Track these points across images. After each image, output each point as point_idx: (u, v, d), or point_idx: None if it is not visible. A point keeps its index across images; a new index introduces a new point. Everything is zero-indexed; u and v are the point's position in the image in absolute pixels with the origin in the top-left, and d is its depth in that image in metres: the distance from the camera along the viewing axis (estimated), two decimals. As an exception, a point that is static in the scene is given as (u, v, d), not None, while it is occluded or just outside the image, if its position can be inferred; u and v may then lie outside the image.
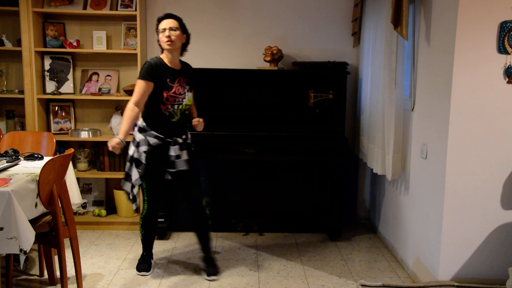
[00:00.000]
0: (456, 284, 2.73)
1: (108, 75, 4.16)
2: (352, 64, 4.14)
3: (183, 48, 3.09)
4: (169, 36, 2.93)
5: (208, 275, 3.17)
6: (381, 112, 3.34)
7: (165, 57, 3.01)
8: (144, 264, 3.22)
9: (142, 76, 2.91)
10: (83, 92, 4.13)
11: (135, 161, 3.00)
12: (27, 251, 2.34)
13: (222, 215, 3.94)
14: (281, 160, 3.83)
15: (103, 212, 4.09)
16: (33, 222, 2.58)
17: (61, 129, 4.15)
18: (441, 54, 2.75)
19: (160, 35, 2.97)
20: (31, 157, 2.93)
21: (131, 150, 3.03)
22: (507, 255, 2.74)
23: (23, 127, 4.02)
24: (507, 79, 2.59)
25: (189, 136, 3.18)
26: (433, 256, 2.84)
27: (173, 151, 3.01)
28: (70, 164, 2.92)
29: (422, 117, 3.05)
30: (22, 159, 2.92)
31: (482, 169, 2.67)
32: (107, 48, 4.04)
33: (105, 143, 3.99)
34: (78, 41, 3.99)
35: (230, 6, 4.10)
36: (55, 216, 2.63)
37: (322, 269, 3.31)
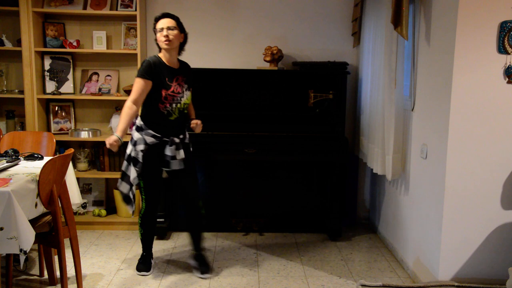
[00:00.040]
0: (456, 284, 2.73)
1: (108, 75, 4.16)
2: (352, 64, 4.14)
3: (181, 47, 3.09)
4: (167, 36, 2.93)
5: (202, 273, 3.19)
6: (381, 112, 3.34)
7: (163, 56, 3.02)
8: (144, 264, 3.23)
9: (140, 75, 2.92)
10: (83, 92, 4.13)
11: (133, 160, 3.01)
12: (27, 251, 2.34)
13: (222, 215, 3.94)
14: (281, 160, 3.83)
15: (103, 212, 4.09)
16: (33, 222, 2.58)
17: (61, 129, 4.15)
18: (441, 54, 2.75)
19: (158, 34, 2.97)
20: (31, 157, 2.93)
21: (129, 149, 3.04)
22: (507, 255, 2.74)
23: (23, 127, 4.02)
24: (507, 79, 2.59)
25: (187, 135, 3.18)
26: (433, 256, 2.84)
27: (169, 151, 3.02)
28: (70, 164, 2.92)
29: (422, 117, 3.05)
30: (22, 159, 2.92)
31: (482, 169, 2.67)
32: (107, 48, 4.04)
33: (105, 143, 4.00)
34: (78, 41, 3.99)
35: (230, 6, 4.10)
36: (55, 216, 2.63)
37: (322, 269, 3.31)
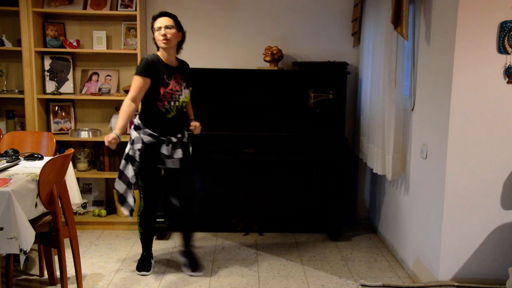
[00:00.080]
0: (456, 284, 2.73)
1: (108, 75, 4.16)
2: (352, 64, 4.14)
3: (179, 45, 3.10)
4: (164, 35, 2.94)
5: (192, 270, 3.20)
6: (381, 112, 3.34)
7: (161, 55, 3.03)
8: (144, 264, 3.23)
9: (139, 72, 2.93)
10: (83, 92, 4.13)
11: (130, 159, 3.02)
12: (27, 251, 2.34)
13: (222, 215, 3.94)
14: (281, 160, 3.83)
15: (103, 212, 4.09)
16: (33, 222, 2.58)
17: (61, 129, 4.15)
18: (441, 54, 2.75)
19: (156, 33, 2.98)
20: (31, 157, 2.93)
21: (127, 147, 3.05)
22: (507, 255, 2.74)
23: (23, 127, 4.02)
24: (507, 79, 2.59)
25: (186, 135, 3.18)
26: (433, 256, 2.84)
27: (165, 150, 3.02)
28: (70, 164, 2.92)
29: (422, 117, 3.05)
30: (22, 159, 2.92)
31: (482, 169, 2.67)
32: (107, 48, 4.04)
33: (105, 143, 4.00)
34: (78, 41, 3.99)
35: (230, 6, 4.10)
36: (55, 216, 2.63)
37: (322, 269, 3.31)
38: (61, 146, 4.01)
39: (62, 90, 4.08)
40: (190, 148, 3.26)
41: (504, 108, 2.62)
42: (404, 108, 3.32)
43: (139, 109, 3.12)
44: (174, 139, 3.05)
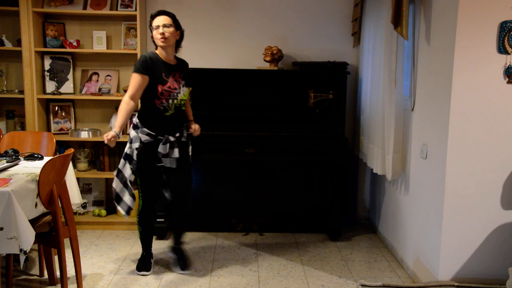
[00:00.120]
0: (456, 284, 2.73)
1: (108, 75, 4.16)
2: (352, 64, 4.14)
3: (177, 44, 3.10)
4: (163, 33, 2.94)
5: (181, 268, 3.22)
6: (381, 112, 3.34)
7: (159, 53, 3.03)
8: (144, 264, 3.23)
9: (137, 70, 2.93)
10: (83, 92, 4.13)
11: (128, 158, 3.02)
12: (27, 251, 2.34)
13: (222, 215, 3.94)
14: (281, 160, 3.83)
15: (103, 212, 4.10)
16: (33, 222, 2.58)
17: (61, 129, 4.15)
18: (441, 54, 2.75)
19: (154, 32, 2.98)
20: (31, 157, 2.93)
21: (126, 146, 3.05)
22: (507, 255, 2.74)
23: (23, 127, 4.02)
24: (507, 79, 2.59)
25: (185, 134, 3.18)
26: (433, 256, 2.84)
27: (162, 149, 3.02)
28: (70, 164, 2.92)
29: (422, 117, 3.05)
30: (22, 159, 2.92)
31: (482, 169, 2.67)
32: (107, 48, 4.04)
33: (105, 143, 3.99)
34: (78, 41, 4.00)
35: (230, 6, 4.10)
36: (55, 216, 2.63)
37: (322, 269, 3.31)
38: (61, 146, 4.01)
39: (62, 90, 4.08)
40: (190, 148, 3.27)
41: (504, 108, 2.62)
42: (404, 108, 3.32)
43: (138, 108, 3.12)
44: (172, 138, 3.05)
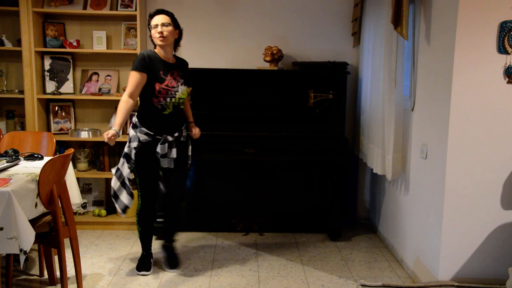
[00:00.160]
0: (456, 284, 2.73)
1: (108, 75, 4.16)
2: (352, 64, 4.14)
3: (176, 43, 3.11)
4: (161, 32, 2.94)
5: (170, 267, 3.24)
6: (381, 112, 3.34)
7: (158, 52, 3.04)
8: (144, 264, 3.23)
9: (135, 67, 2.94)
10: (83, 92, 4.13)
11: (126, 157, 3.03)
12: (27, 251, 2.34)
13: (222, 215, 3.94)
14: (281, 160, 3.83)
15: (103, 212, 4.10)
16: (33, 222, 2.58)
17: (61, 129, 4.15)
18: (441, 54, 2.75)
19: (153, 31, 2.98)
20: (31, 157, 2.93)
21: (126, 145, 3.06)
22: (507, 255, 2.74)
23: (23, 127, 4.02)
24: (507, 79, 2.59)
25: (184, 133, 3.18)
26: (433, 256, 2.84)
27: (160, 149, 3.02)
28: (70, 164, 2.92)
29: (422, 117, 3.05)
30: (22, 159, 2.92)
31: (482, 169, 2.67)
32: (107, 48, 4.04)
33: (105, 143, 4.00)
34: (78, 41, 4.00)
35: (230, 5, 4.10)
36: (55, 216, 2.63)
37: (322, 269, 3.31)
38: (61, 146, 4.01)
39: (62, 90, 4.08)
40: (190, 148, 3.27)
41: (504, 108, 2.62)
42: (404, 108, 3.32)
43: (138, 108, 3.13)
44: (170, 138, 3.05)
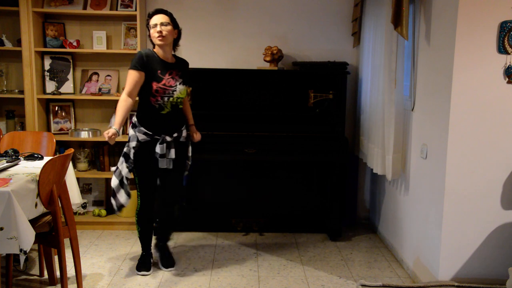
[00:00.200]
0: (456, 284, 2.73)
1: (108, 75, 4.16)
2: (352, 64, 4.14)
3: (175, 43, 3.10)
4: (160, 32, 2.94)
5: (164, 266, 3.24)
6: (381, 112, 3.34)
7: (157, 51, 3.04)
8: (144, 264, 3.23)
9: (133, 66, 2.94)
10: (83, 92, 4.13)
11: (125, 156, 3.03)
12: (27, 251, 2.34)
13: (222, 215, 3.94)
14: (281, 160, 3.83)
15: (103, 212, 4.10)
16: (33, 222, 2.58)
17: (61, 129, 4.15)
18: (441, 54, 2.75)
19: (152, 30, 2.98)
20: (31, 157, 2.93)
21: (125, 145, 3.06)
22: (507, 255, 2.74)
23: (23, 127, 4.02)
24: (507, 79, 2.59)
25: (184, 134, 3.18)
26: (433, 256, 2.84)
27: (159, 149, 3.02)
28: (70, 164, 2.92)
29: (422, 117, 3.05)
30: (22, 159, 2.92)
31: (482, 169, 2.67)
32: (107, 48, 4.04)
33: (105, 143, 4.01)
34: (78, 41, 4.00)
35: (230, 6, 4.10)
36: (55, 216, 2.63)
37: (322, 269, 3.31)
38: (61, 146, 4.01)
39: (62, 90, 4.08)
40: (190, 148, 3.27)
41: (504, 108, 2.62)
42: (404, 108, 3.32)
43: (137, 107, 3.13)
44: (168, 139, 3.05)
